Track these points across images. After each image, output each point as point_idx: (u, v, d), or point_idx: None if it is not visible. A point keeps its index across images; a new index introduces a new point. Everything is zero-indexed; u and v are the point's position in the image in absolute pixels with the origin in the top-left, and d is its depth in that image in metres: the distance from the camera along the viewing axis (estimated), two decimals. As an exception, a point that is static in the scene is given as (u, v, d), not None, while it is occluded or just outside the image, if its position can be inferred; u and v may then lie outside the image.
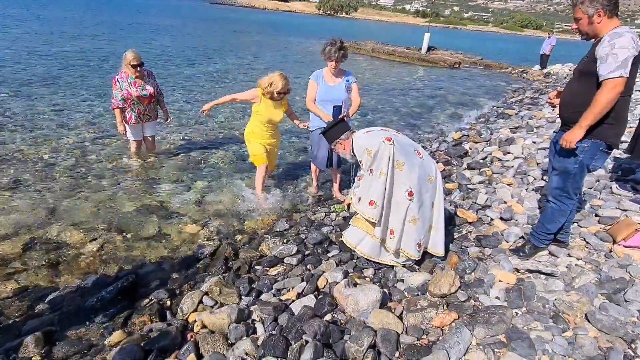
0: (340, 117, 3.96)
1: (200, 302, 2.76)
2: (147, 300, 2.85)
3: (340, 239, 3.37)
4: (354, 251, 3.16)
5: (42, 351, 2.34)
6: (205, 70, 12.41)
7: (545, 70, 17.51)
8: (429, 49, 22.75)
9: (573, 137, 2.48)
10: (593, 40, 2.50)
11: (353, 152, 3.07)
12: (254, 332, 2.45)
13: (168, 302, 2.83)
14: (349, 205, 3.76)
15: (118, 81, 4.70)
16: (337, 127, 3.13)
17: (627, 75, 2.28)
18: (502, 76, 17.25)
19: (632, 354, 2.09)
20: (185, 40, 20.90)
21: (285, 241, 3.70)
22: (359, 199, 2.95)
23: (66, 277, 3.07)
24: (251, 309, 2.64)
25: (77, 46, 14.30)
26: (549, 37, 17.13)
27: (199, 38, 22.77)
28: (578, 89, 2.56)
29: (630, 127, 5.22)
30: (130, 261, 3.34)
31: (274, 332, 2.40)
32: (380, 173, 2.79)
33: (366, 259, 3.11)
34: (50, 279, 3.04)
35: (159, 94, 5.11)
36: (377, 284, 2.85)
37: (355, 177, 3.40)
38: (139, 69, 4.70)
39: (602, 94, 2.33)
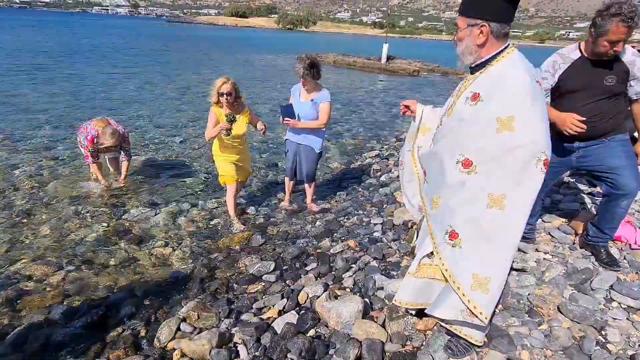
0: (287, 120, 3.96)
1: (178, 329, 2.66)
2: (120, 331, 2.70)
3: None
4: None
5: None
6: (164, 89, 12.17)
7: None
8: (388, 58, 23.44)
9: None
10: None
11: None
12: (237, 355, 2.37)
13: (143, 332, 2.71)
14: None
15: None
16: None
17: None
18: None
19: (603, 340, 2.20)
20: (144, 59, 20.42)
21: (261, 257, 3.64)
22: None
23: (29, 314, 2.85)
24: (232, 332, 2.57)
25: (31, 68, 13.64)
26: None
27: (157, 58, 22.32)
28: (609, 108, 2.68)
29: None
30: (99, 290, 3.16)
31: (257, 353, 2.34)
32: None
33: None
34: (11, 317, 2.81)
35: (125, 143, 4.93)
36: (358, 294, 2.85)
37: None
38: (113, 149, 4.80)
39: None
